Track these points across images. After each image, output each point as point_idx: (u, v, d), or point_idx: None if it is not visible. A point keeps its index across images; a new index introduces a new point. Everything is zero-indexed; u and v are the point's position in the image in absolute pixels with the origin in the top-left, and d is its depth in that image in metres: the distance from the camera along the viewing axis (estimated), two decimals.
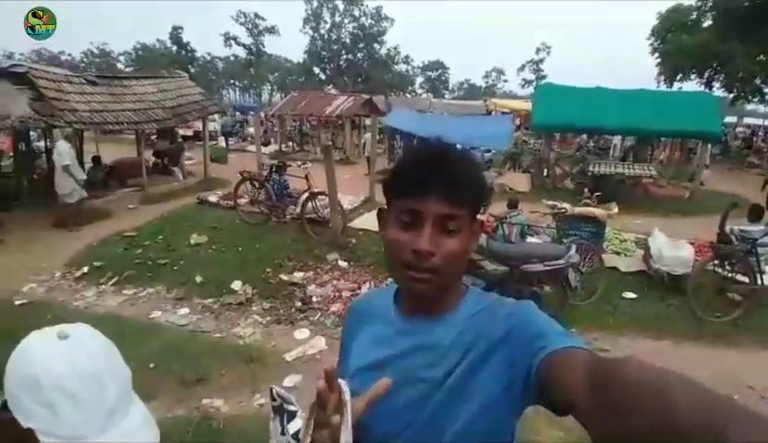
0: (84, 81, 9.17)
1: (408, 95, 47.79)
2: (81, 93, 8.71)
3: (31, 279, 5.80)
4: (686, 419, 0.42)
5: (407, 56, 54.68)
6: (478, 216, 0.85)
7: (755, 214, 5.59)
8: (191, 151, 14.66)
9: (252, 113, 18.16)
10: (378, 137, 13.01)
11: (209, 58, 55.62)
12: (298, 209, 7.54)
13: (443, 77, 62.44)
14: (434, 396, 0.80)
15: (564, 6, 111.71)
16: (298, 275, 6.02)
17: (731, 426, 0.40)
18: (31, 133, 10.68)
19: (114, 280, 5.86)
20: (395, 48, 51.64)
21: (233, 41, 51.85)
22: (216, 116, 19.24)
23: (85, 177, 8.17)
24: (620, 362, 0.55)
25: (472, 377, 0.78)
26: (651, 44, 26.79)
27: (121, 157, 11.59)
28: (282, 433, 1.76)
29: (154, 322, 4.93)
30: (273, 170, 8.01)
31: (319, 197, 7.35)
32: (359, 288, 5.68)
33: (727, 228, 5.46)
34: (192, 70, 43.36)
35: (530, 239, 6.15)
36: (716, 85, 24.89)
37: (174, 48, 50.39)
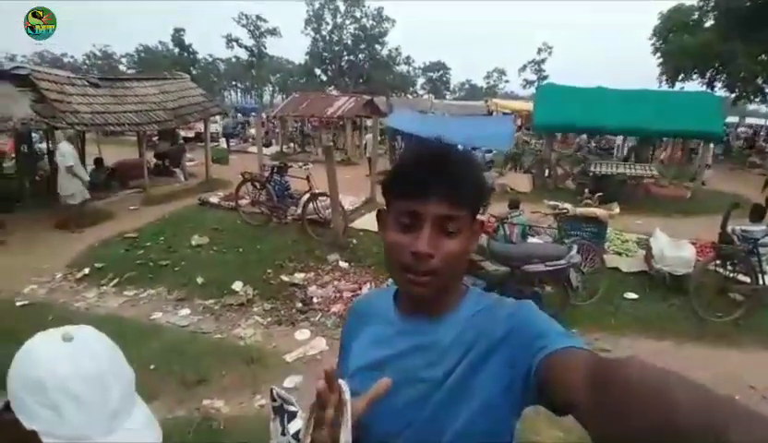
0: (86, 83, 9.19)
1: (409, 96, 47.85)
2: (83, 95, 8.73)
3: (33, 280, 5.81)
4: (687, 420, 0.42)
5: (408, 57, 54.81)
6: (478, 216, 0.85)
7: (757, 214, 5.58)
8: (192, 153, 14.70)
9: (254, 114, 18.17)
10: (379, 138, 13.00)
11: (210, 60, 55.79)
12: (299, 210, 7.54)
13: (444, 78, 62.53)
14: (434, 396, 0.79)
15: (565, 7, 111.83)
16: (299, 276, 6.03)
17: (732, 427, 0.40)
18: (33, 135, 10.71)
19: (116, 281, 5.86)
20: (396, 49, 51.76)
21: (234, 43, 51.93)
22: (218, 118, 19.28)
23: (88, 178, 8.19)
24: (621, 362, 0.54)
25: (472, 376, 0.78)
26: (653, 44, 26.79)
27: (123, 158, 11.61)
28: (283, 433, 1.76)
29: (155, 323, 4.94)
30: (274, 171, 8.02)
31: (321, 197, 7.36)
32: (360, 289, 5.67)
33: (729, 228, 5.44)
34: (194, 72, 43.42)
35: (531, 239, 6.14)
36: (718, 85, 24.86)
37: (176, 50, 50.53)
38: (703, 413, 0.42)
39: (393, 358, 0.86)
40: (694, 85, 25.49)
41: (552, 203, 6.72)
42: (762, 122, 33.91)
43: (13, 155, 11.36)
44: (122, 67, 51.31)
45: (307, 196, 7.45)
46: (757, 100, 25.99)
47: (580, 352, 0.67)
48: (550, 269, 4.69)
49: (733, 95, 24.31)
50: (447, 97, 53.35)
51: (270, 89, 59.93)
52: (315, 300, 5.43)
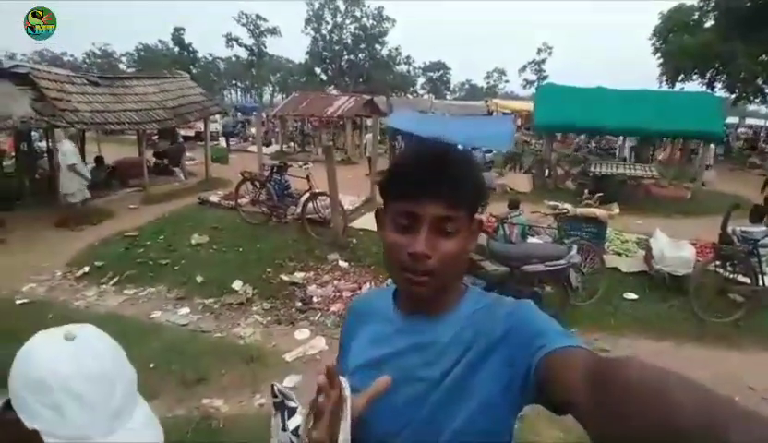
0: (86, 82, 9.20)
1: (409, 96, 47.85)
2: (83, 94, 8.73)
3: (33, 278, 5.81)
4: (687, 420, 0.42)
5: (408, 57, 54.78)
6: (476, 215, 0.85)
7: (757, 215, 5.59)
8: (192, 152, 14.69)
9: (255, 113, 18.17)
10: (379, 138, 13.00)
11: (210, 59, 55.75)
12: (299, 210, 7.54)
13: (444, 78, 62.52)
14: (432, 395, 0.79)
15: (565, 7, 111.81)
16: (299, 275, 6.02)
17: (732, 427, 0.40)
18: (33, 133, 10.71)
19: (115, 279, 5.86)
20: (396, 49, 51.74)
21: (234, 42, 51.94)
22: (217, 117, 19.28)
23: (89, 176, 8.19)
24: (621, 362, 0.54)
25: (471, 375, 0.78)
26: (653, 45, 26.81)
27: (122, 157, 11.61)
28: (283, 429, 1.76)
29: (155, 322, 4.93)
30: (274, 170, 8.01)
31: (320, 197, 7.36)
32: (360, 288, 5.67)
33: (729, 229, 5.43)
34: (194, 71, 43.41)
35: (531, 239, 6.14)
36: (718, 85, 24.85)
37: (176, 49, 50.50)
38: (703, 414, 0.42)
39: (392, 357, 0.86)
40: (694, 85, 25.53)
41: (552, 203, 6.72)
42: (761, 122, 33.92)
43: (13, 154, 11.36)
44: (122, 66, 51.26)
45: (307, 195, 7.45)
46: (757, 100, 25.99)
47: (579, 351, 0.67)
48: (550, 269, 4.69)
49: (733, 96, 24.30)
50: (447, 97, 53.38)
51: (270, 88, 59.90)
52: (314, 299, 5.43)
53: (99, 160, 10.77)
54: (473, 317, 0.83)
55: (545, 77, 49.65)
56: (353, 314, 1.03)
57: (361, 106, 18.04)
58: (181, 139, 13.72)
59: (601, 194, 7.87)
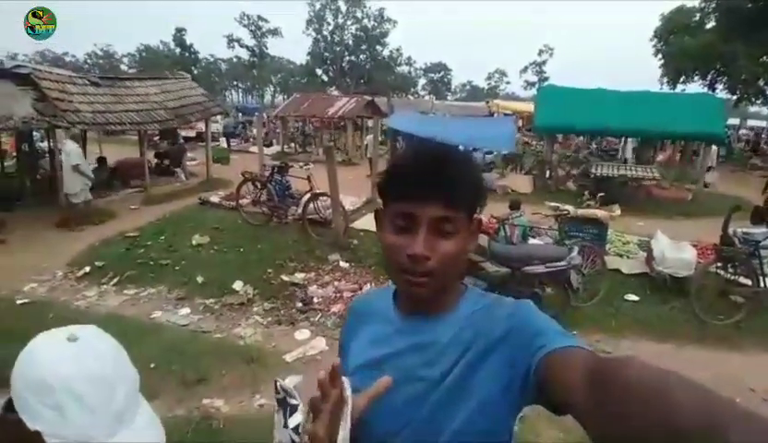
0: (87, 82, 9.22)
1: (410, 97, 47.90)
2: (84, 94, 8.75)
3: (33, 278, 5.81)
4: (687, 420, 0.42)
5: (409, 58, 54.90)
6: (476, 215, 0.84)
7: (758, 217, 5.57)
8: (194, 152, 14.70)
9: (256, 114, 18.21)
10: (380, 139, 13.01)
11: (212, 60, 55.88)
12: (300, 210, 7.55)
13: (445, 79, 62.59)
14: (431, 395, 0.79)
15: (567, 8, 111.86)
16: (299, 276, 6.02)
17: (733, 428, 0.39)
18: (35, 134, 10.72)
19: (116, 280, 5.86)
20: (397, 50, 51.83)
21: (236, 43, 52.03)
22: (218, 117, 19.31)
23: (93, 177, 8.21)
24: (621, 362, 0.54)
25: (470, 375, 0.78)
26: (654, 46, 26.78)
27: (124, 158, 11.62)
28: (285, 426, 1.77)
29: (155, 322, 4.93)
30: (275, 171, 8.02)
31: (321, 197, 7.36)
32: (360, 289, 5.67)
33: (730, 230, 5.43)
34: (195, 72, 43.43)
35: (532, 241, 6.14)
36: (719, 87, 24.83)
37: (178, 50, 50.58)
38: (703, 414, 0.42)
39: (392, 357, 0.86)
40: (695, 87, 25.52)
41: (553, 204, 6.72)
42: (763, 124, 33.89)
43: (14, 154, 11.38)
44: (123, 67, 51.40)
45: (308, 196, 7.45)
46: (758, 102, 25.95)
47: (579, 351, 0.67)
48: (551, 270, 4.69)
49: (734, 97, 24.27)
50: (448, 98, 53.39)
51: (272, 89, 59.97)
52: (315, 300, 5.43)
53: (101, 160, 10.79)
54: (472, 317, 0.83)
55: (546, 79, 49.67)
56: (353, 314, 1.03)
57: (362, 107, 18.05)
58: (181, 140, 13.74)
59: (602, 195, 7.87)
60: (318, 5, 47.88)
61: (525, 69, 53.77)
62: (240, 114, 27.89)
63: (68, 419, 0.68)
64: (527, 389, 0.72)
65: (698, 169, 12.87)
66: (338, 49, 49.24)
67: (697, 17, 24.43)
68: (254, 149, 15.81)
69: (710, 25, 23.47)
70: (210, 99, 12.87)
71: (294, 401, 1.74)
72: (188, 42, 50.88)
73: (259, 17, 51.41)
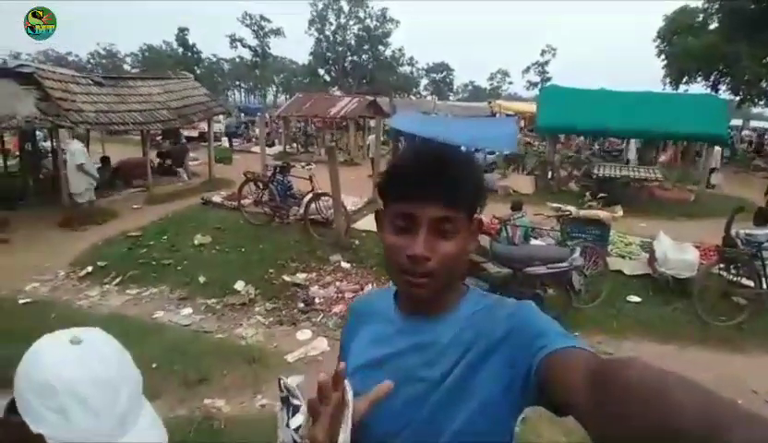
0: (90, 82, 9.24)
1: (413, 97, 47.86)
2: (87, 94, 8.77)
3: (36, 278, 5.83)
4: (688, 421, 0.41)
5: (412, 58, 54.88)
6: (476, 216, 0.84)
7: (761, 218, 5.55)
8: (196, 152, 14.72)
9: (259, 114, 18.23)
10: (382, 139, 13.01)
11: (214, 60, 55.93)
12: (302, 210, 7.55)
13: (448, 79, 62.53)
14: (432, 396, 0.79)
15: (569, 8, 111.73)
16: (301, 276, 6.03)
17: (734, 429, 0.39)
18: (38, 133, 10.76)
19: (118, 279, 5.88)
20: (400, 50, 51.85)
21: (238, 43, 52.13)
22: (221, 117, 19.35)
23: (98, 176, 8.24)
24: (623, 362, 0.54)
25: (471, 376, 0.78)
26: (657, 46, 26.73)
27: (126, 157, 11.65)
28: (287, 425, 1.77)
29: (157, 322, 4.95)
30: (277, 171, 8.03)
31: (323, 198, 7.37)
32: (362, 289, 5.67)
33: (733, 232, 5.42)
34: (198, 71, 43.53)
35: (534, 241, 6.13)
36: (722, 87, 24.76)
37: (180, 49, 50.69)
38: (704, 415, 0.41)
39: (393, 357, 0.86)
40: (698, 87, 25.46)
41: (555, 205, 6.70)
42: (765, 125, 33.77)
43: (17, 153, 11.41)
44: (126, 67, 51.48)
45: (310, 196, 7.46)
46: (761, 103, 25.87)
47: (580, 352, 0.67)
48: (552, 271, 4.68)
49: (737, 98, 24.20)
50: (450, 98, 53.23)
51: (274, 89, 60.03)
52: (317, 300, 5.43)
53: (105, 160, 10.81)
54: (473, 317, 0.83)
55: (548, 79, 49.64)
56: (353, 314, 1.03)
57: (364, 107, 18.07)
58: (184, 140, 13.76)
59: (604, 196, 7.85)
60: (320, 5, 47.95)
61: (528, 69, 53.78)
62: (242, 114, 27.92)
63: (72, 422, 0.69)
64: (528, 390, 0.72)
65: (700, 170, 12.84)
66: (340, 49, 49.29)
67: (700, 18, 24.37)
68: (256, 149, 15.82)
69: (713, 26, 23.41)
70: (212, 99, 12.90)
71: (296, 402, 1.74)
72: (191, 42, 51.02)
73: (262, 17, 51.56)
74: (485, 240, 5.13)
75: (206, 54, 54.18)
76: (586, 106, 11.83)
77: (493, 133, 11.38)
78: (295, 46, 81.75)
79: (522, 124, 21.25)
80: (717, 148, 12.99)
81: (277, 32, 52.63)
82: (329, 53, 49.77)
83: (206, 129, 13.11)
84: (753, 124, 35.37)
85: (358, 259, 6.57)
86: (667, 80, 26.23)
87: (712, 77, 24.67)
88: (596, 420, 0.54)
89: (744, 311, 5.12)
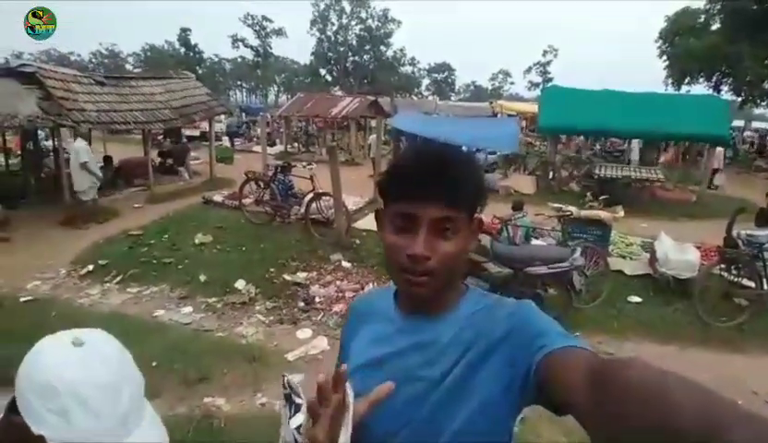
0: (92, 81, 9.26)
1: (414, 97, 47.88)
2: (89, 93, 8.78)
3: (37, 276, 5.84)
4: (687, 421, 0.41)
5: (413, 58, 54.86)
6: (476, 215, 0.84)
7: (762, 219, 5.54)
8: (197, 151, 14.74)
9: (261, 114, 18.26)
10: (383, 139, 13.03)
11: (216, 59, 55.98)
12: (303, 210, 7.55)
13: (449, 79, 62.50)
14: (431, 395, 0.79)
15: (571, 8, 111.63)
16: (302, 275, 6.03)
17: (734, 429, 0.39)
18: (39, 132, 10.77)
19: (119, 278, 5.88)
20: (401, 50, 51.83)
21: (240, 43, 52.21)
22: (222, 117, 19.37)
23: (101, 175, 8.26)
24: (623, 362, 0.54)
25: (471, 376, 0.78)
26: (659, 47, 26.72)
27: (128, 157, 11.66)
28: (289, 423, 1.77)
29: (158, 320, 4.95)
30: (278, 170, 8.04)
31: (324, 197, 7.37)
32: (362, 289, 5.67)
33: (734, 232, 5.41)
34: (199, 71, 43.63)
35: (535, 241, 6.12)
36: (724, 88, 24.74)
37: (182, 49, 50.77)
38: (704, 415, 0.41)
39: (393, 356, 0.86)
40: (700, 88, 25.47)
41: (556, 205, 6.69)
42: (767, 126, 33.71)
43: (19, 152, 11.43)
44: (128, 66, 51.52)
45: (311, 195, 7.46)
46: (763, 104, 25.84)
47: (580, 351, 0.67)
48: (553, 271, 4.68)
49: (739, 99, 24.17)
50: (452, 98, 53.20)
51: (275, 88, 60.08)
52: (317, 299, 5.43)
53: (107, 159, 10.82)
54: (473, 317, 0.83)
55: (550, 79, 49.59)
56: (354, 313, 1.03)
57: (365, 107, 18.07)
58: (185, 139, 13.77)
59: (605, 196, 7.84)
60: (322, 6, 48.01)
61: (529, 70, 53.76)
62: (244, 114, 27.95)
63: (73, 424, 0.68)
64: (527, 390, 0.72)
65: (702, 170, 12.83)
66: (342, 49, 49.31)
67: (702, 19, 24.37)
68: (257, 148, 15.84)
69: (715, 26, 23.40)
70: (213, 98, 12.91)
71: (298, 400, 1.74)
72: (193, 42, 51.12)
73: (264, 18, 51.66)
74: (486, 240, 5.13)
75: (208, 54, 54.36)
76: (588, 107, 11.82)
77: (494, 133, 11.38)
78: (297, 46, 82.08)
79: (524, 124, 21.24)
80: (720, 148, 12.97)
81: (279, 32, 52.72)
82: (330, 54, 49.80)
83: (207, 129, 13.11)
84: (755, 125, 35.36)
85: (359, 259, 6.57)
86: (669, 81, 26.26)
87: (714, 78, 24.67)
88: (596, 420, 0.53)
89: (745, 312, 5.12)
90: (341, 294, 5.55)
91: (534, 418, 3.21)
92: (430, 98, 43.15)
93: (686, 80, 25.27)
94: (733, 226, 5.43)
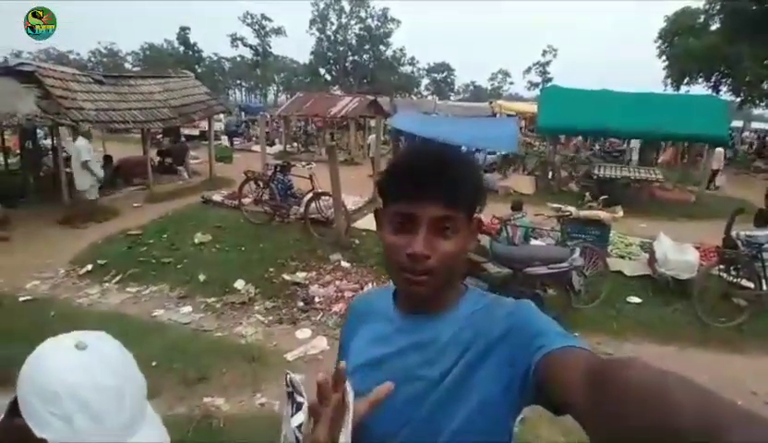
0: (91, 80, 9.24)
1: (413, 97, 47.87)
2: (88, 92, 8.77)
3: (36, 276, 5.83)
4: (686, 421, 0.41)
5: (413, 58, 54.89)
6: (475, 215, 0.85)
7: (761, 219, 5.55)
8: (196, 151, 14.72)
9: (261, 113, 18.26)
10: (383, 139, 13.02)
11: (215, 58, 55.95)
12: (302, 210, 7.55)
13: (449, 79, 62.53)
14: (431, 395, 0.79)
15: (571, 8, 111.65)
16: (301, 275, 6.03)
17: (734, 429, 0.39)
18: (38, 131, 10.75)
19: (118, 277, 5.88)
20: (401, 50, 51.88)
21: (239, 42, 52.18)
22: (221, 116, 19.36)
23: (103, 174, 8.25)
24: (622, 362, 0.54)
25: (470, 375, 0.78)
26: (658, 47, 26.74)
27: (127, 156, 11.65)
28: (290, 421, 1.77)
29: (157, 320, 4.94)
30: (278, 170, 8.03)
31: (323, 197, 7.36)
32: (361, 289, 5.67)
33: (733, 233, 5.42)
34: (199, 70, 43.60)
35: (534, 242, 6.13)
36: (723, 88, 24.76)
37: (182, 48, 50.72)
38: (703, 415, 0.41)
39: (392, 356, 0.86)
40: (699, 88, 25.48)
41: (555, 205, 6.69)
42: (767, 126, 33.74)
43: (18, 151, 11.41)
44: (127, 65, 51.49)
45: (310, 195, 7.46)
46: (762, 104, 25.86)
47: (579, 351, 0.67)
48: (552, 271, 4.68)
49: (738, 99, 24.19)
50: (451, 98, 53.23)
51: (275, 88, 60.06)
52: (316, 299, 5.43)
53: (107, 158, 10.80)
54: (472, 317, 0.84)
55: (549, 79, 49.64)
56: (353, 313, 1.03)
57: (365, 107, 18.06)
58: (184, 138, 13.75)
59: (605, 196, 7.84)
60: (321, 5, 48.03)
61: (529, 70, 53.80)
62: (243, 113, 27.94)
63: (76, 428, 0.68)
64: (526, 389, 0.72)
65: (702, 171, 12.84)
66: (341, 48, 49.31)
67: (701, 19, 24.38)
68: (256, 147, 15.83)
69: (714, 27, 23.40)
70: (213, 97, 12.90)
71: (299, 399, 1.74)
72: (192, 41, 51.09)
73: (263, 17, 51.62)
74: (485, 240, 5.13)
75: (207, 53, 54.36)
76: (587, 107, 11.83)
77: (493, 133, 11.38)
78: (296, 45, 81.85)
79: (523, 124, 21.25)
80: (720, 149, 12.98)
81: (278, 31, 52.71)
82: (330, 53, 49.80)
83: (206, 128, 13.10)
84: (754, 125, 35.36)
85: (358, 258, 6.57)
86: (669, 81, 26.28)
87: (713, 79, 24.69)
88: (595, 419, 0.53)
89: (744, 312, 5.12)
90: (340, 294, 5.55)
91: (534, 418, 3.21)
92: (429, 98, 43.17)
93: (685, 80, 25.30)
94: (732, 227, 5.44)
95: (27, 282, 5.62)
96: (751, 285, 5.22)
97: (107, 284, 5.76)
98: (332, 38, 49.37)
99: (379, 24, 49.05)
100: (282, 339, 4.66)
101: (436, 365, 0.80)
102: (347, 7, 48.30)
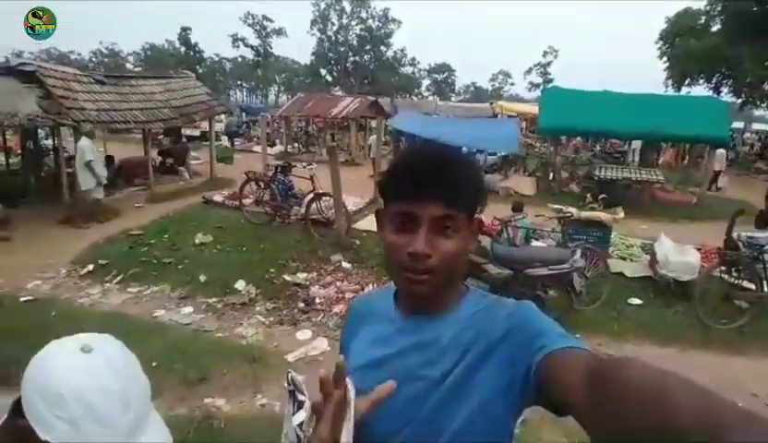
0: (92, 80, 9.25)
1: (414, 97, 47.86)
2: (89, 92, 8.78)
3: (37, 276, 5.83)
4: (686, 421, 0.41)
5: (414, 59, 54.89)
6: (476, 216, 0.85)
7: (762, 221, 5.54)
8: (197, 151, 14.73)
9: (262, 114, 18.28)
10: (383, 139, 13.02)
11: (216, 59, 56.03)
12: (303, 210, 7.55)
13: (450, 80, 62.55)
14: (432, 395, 0.79)
15: (572, 8, 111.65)
16: (302, 276, 6.03)
17: (734, 429, 0.39)
18: (39, 131, 10.76)
19: (119, 278, 5.88)
20: (402, 50, 51.88)
21: (240, 43, 52.22)
22: (222, 116, 19.37)
23: (106, 174, 8.26)
24: (622, 363, 0.54)
25: (471, 376, 0.78)
26: (659, 48, 26.74)
27: (128, 156, 11.66)
28: (291, 420, 1.77)
29: (158, 321, 4.95)
30: (278, 170, 8.03)
31: (324, 198, 7.37)
32: (362, 289, 5.66)
33: (734, 234, 5.41)
34: (200, 71, 43.67)
35: (535, 243, 6.12)
36: (724, 90, 24.76)
37: (183, 49, 50.80)
38: (703, 415, 0.41)
39: (393, 356, 0.86)
40: (700, 89, 25.48)
41: (556, 207, 6.68)
42: (767, 128, 33.70)
43: (19, 151, 11.43)
44: (128, 65, 51.55)
45: (311, 196, 7.46)
46: (763, 105, 25.84)
47: (580, 351, 0.67)
48: (553, 272, 4.68)
49: (739, 100, 24.18)
50: (452, 99, 53.20)
51: (276, 88, 60.11)
52: (317, 300, 5.43)
53: (109, 159, 10.81)
54: (473, 318, 0.84)
55: (550, 80, 49.58)
56: (354, 314, 1.03)
57: (366, 107, 18.07)
58: (185, 139, 13.76)
59: (605, 197, 7.84)
60: (322, 6, 48.05)
61: (530, 71, 53.78)
62: (244, 114, 27.96)
63: (81, 431, 0.68)
64: (527, 390, 0.72)
65: (703, 172, 12.83)
66: (342, 49, 49.34)
67: (702, 20, 24.39)
68: (257, 148, 15.84)
69: (715, 28, 23.42)
70: (214, 98, 12.91)
71: (301, 397, 1.74)
72: (193, 42, 51.18)
73: (264, 17, 51.66)
74: (486, 241, 5.13)
75: (208, 54, 54.48)
76: (588, 108, 11.82)
77: (494, 134, 11.38)
78: (297, 46, 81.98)
79: (524, 125, 21.24)
80: (721, 150, 12.97)
81: (279, 32, 52.74)
82: (330, 54, 49.84)
83: (207, 128, 13.11)
84: (755, 126, 35.27)
85: (359, 259, 6.57)
86: (669, 82, 26.28)
87: (714, 80, 24.69)
88: (595, 420, 0.54)
89: (745, 314, 5.12)
90: (341, 295, 5.55)
91: (535, 420, 3.21)
92: (430, 98, 43.12)
93: (686, 82, 25.32)
94: (733, 228, 5.43)
95: (28, 282, 5.63)
96: (753, 287, 5.22)
97: (108, 284, 5.76)
98: (333, 38, 49.41)
99: (380, 24, 49.09)
100: (283, 340, 4.66)
101: (437, 366, 0.80)
102: (348, 8, 48.37)
